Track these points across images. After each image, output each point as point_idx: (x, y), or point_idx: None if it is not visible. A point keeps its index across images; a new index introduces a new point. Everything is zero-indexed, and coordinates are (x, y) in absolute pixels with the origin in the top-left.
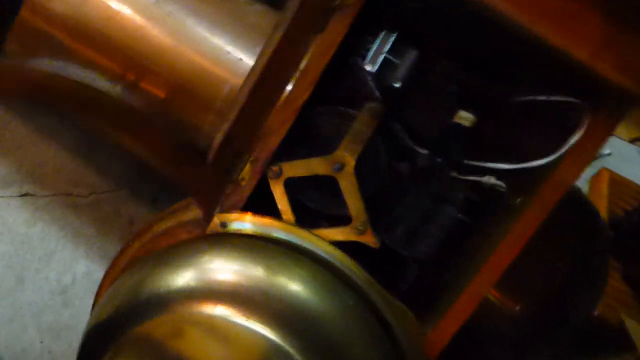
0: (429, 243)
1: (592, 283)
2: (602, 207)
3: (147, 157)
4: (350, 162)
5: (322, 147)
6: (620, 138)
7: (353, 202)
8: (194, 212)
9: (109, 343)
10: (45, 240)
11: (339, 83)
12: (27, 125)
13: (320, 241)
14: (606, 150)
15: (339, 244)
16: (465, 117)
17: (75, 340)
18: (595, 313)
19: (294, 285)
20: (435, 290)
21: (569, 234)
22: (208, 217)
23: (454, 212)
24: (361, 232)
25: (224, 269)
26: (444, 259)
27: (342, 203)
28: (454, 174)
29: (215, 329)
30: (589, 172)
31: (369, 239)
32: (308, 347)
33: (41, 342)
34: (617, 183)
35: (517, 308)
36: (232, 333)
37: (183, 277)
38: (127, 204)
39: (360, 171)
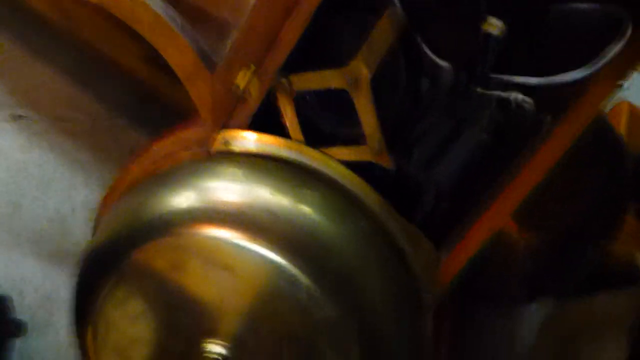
0: (448, 167)
1: (612, 217)
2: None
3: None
4: (366, 74)
5: (336, 58)
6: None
7: (367, 118)
8: (197, 132)
9: (110, 269)
10: (43, 167)
11: None
12: (21, 48)
13: (331, 161)
14: (625, 84)
15: (351, 166)
16: (494, 24)
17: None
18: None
19: (301, 206)
20: (452, 218)
21: (592, 164)
22: (212, 135)
23: (477, 133)
24: (375, 152)
25: (228, 189)
26: (463, 185)
27: (356, 122)
28: (479, 90)
29: (219, 251)
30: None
31: (384, 160)
32: (316, 270)
33: (41, 270)
34: (637, 117)
35: (535, 241)
36: (236, 256)
37: (185, 199)
38: (127, 132)
39: (376, 85)
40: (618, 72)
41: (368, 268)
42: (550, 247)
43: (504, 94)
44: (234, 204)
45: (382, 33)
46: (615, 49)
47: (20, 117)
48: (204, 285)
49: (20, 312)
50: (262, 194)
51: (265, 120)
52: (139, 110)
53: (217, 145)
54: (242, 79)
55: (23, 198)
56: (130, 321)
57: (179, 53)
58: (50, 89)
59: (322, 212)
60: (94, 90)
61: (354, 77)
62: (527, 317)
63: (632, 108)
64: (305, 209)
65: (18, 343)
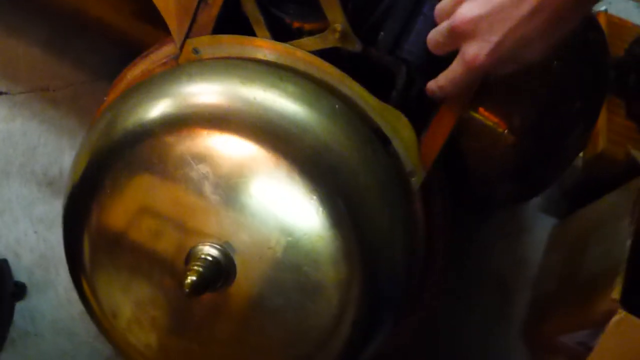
0: (415, 42)
1: (592, 102)
2: None
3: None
4: None
5: None
6: None
7: (329, 3)
8: (168, 48)
9: (93, 191)
10: (27, 135)
11: None
12: None
13: (299, 51)
14: (602, 5)
15: (319, 54)
16: None
17: None
18: (600, 150)
19: (273, 94)
20: (427, 96)
21: (577, 58)
22: (180, 45)
23: (435, 2)
24: (341, 37)
25: (200, 92)
26: (434, 58)
27: (319, 9)
28: None
29: (197, 150)
30: None
31: (350, 43)
32: (295, 151)
33: (35, 232)
34: (616, 25)
35: (517, 135)
36: (214, 151)
37: (159, 107)
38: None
39: None
40: None
41: (347, 147)
42: (531, 134)
43: None
44: (206, 103)
45: None
46: None
47: (0, 92)
48: (186, 187)
49: (18, 274)
50: (233, 88)
51: (233, 23)
52: (119, 72)
53: (186, 54)
54: None
55: (10, 166)
56: (120, 237)
57: None
58: (27, 61)
59: (295, 97)
60: (72, 58)
61: None
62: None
63: (609, 17)
64: (277, 95)
65: (18, 305)
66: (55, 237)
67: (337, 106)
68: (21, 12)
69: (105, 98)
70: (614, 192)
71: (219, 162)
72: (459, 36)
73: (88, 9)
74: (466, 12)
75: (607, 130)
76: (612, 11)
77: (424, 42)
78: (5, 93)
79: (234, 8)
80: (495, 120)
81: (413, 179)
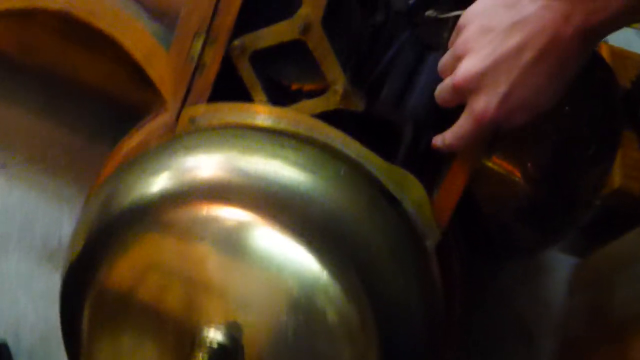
0: (419, 98)
1: (607, 143)
2: None
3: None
4: (316, 18)
5: (286, 10)
6: None
7: (328, 64)
8: (163, 118)
9: (91, 275)
10: (24, 208)
11: None
12: None
13: (300, 116)
14: None
15: (321, 116)
16: None
17: None
18: (616, 186)
19: (273, 164)
20: (436, 152)
21: (584, 96)
22: (177, 115)
23: (439, 56)
24: (342, 98)
25: (198, 166)
26: (440, 113)
27: (318, 70)
28: (433, 14)
29: (198, 228)
30: None
31: (352, 104)
32: (301, 224)
33: (35, 310)
34: (619, 56)
35: (529, 179)
36: (216, 228)
37: (156, 184)
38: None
39: (330, 28)
40: None
41: (356, 215)
42: (546, 181)
43: (459, 12)
44: (205, 178)
45: None
46: None
47: None
48: (188, 266)
49: (19, 355)
50: (233, 160)
51: (229, 89)
52: (117, 134)
53: (183, 125)
54: (195, 48)
55: (8, 241)
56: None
57: (136, 37)
58: (22, 130)
59: (297, 165)
60: (69, 124)
61: (305, 24)
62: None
63: (612, 48)
64: (278, 165)
65: None
66: (56, 315)
67: (342, 171)
68: (14, 81)
69: (101, 170)
70: (637, 230)
71: (221, 238)
72: (464, 92)
73: (83, 75)
74: (468, 68)
75: (622, 166)
76: (613, 41)
77: (430, 96)
78: (2, 166)
79: (229, 73)
80: (509, 168)
81: (428, 241)
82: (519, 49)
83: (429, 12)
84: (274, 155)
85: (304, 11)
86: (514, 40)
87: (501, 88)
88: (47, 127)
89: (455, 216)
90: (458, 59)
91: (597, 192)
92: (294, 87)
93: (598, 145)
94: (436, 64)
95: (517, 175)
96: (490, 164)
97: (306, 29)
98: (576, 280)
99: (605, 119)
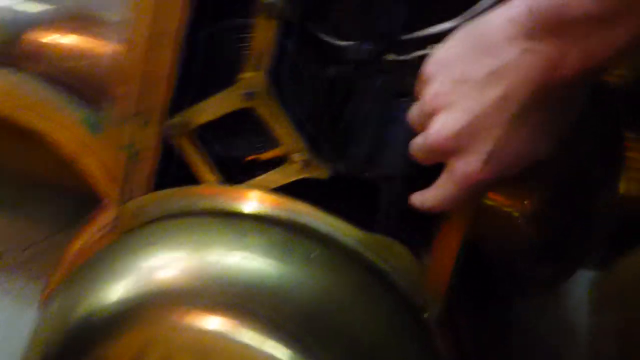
0: (393, 153)
1: (611, 158)
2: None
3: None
4: (262, 81)
5: (227, 77)
6: None
7: (281, 130)
8: (106, 214)
9: None
10: None
11: None
12: None
13: (258, 193)
14: None
15: (284, 189)
16: None
17: None
18: (622, 192)
19: (232, 258)
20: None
21: (586, 113)
22: (118, 210)
23: (409, 103)
24: (303, 167)
25: (144, 268)
26: (419, 167)
27: (272, 139)
28: (393, 57)
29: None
30: None
31: (316, 172)
32: (274, 328)
33: None
34: None
35: (533, 211)
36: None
37: (95, 304)
38: None
39: (279, 90)
40: None
41: (338, 304)
42: (551, 208)
43: (424, 52)
44: (157, 281)
45: (264, 33)
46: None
47: None
48: None
49: None
50: (185, 259)
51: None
52: (77, 222)
53: (127, 220)
54: (130, 134)
55: None
56: None
57: (63, 130)
58: None
59: (260, 255)
60: (25, 216)
61: (250, 91)
62: (571, 290)
63: None
64: (237, 258)
65: None
66: None
67: (313, 254)
68: None
69: (51, 276)
70: None
71: (184, 350)
72: (440, 153)
73: (34, 170)
74: (442, 128)
75: (625, 169)
76: None
77: (402, 151)
78: None
79: (170, 156)
80: (509, 202)
81: (427, 314)
82: (500, 103)
83: (390, 56)
84: (230, 247)
85: (246, 76)
86: (493, 93)
87: (484, 147)
88: (1, 223)
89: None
90: (429, 115)
91: (611, 210)
92: (248, 158)
93: (603, 161)
94: (404, 112)
95: (519, 209)
96: (487, 202)
97: (252, 95)
98: (599, 297)
99: (606, 133)
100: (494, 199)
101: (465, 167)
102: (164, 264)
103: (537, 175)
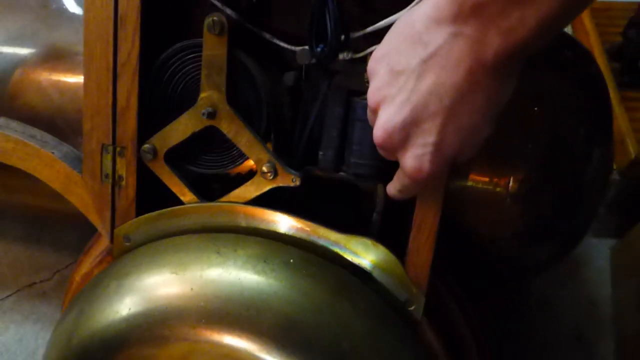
0: (360, 150)
1: (598, 123)
2: (594, 43)
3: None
4: (220, 98)
5: (188, 98)
6: None
7: (246, 143)
8: (101, 241)
9: None
10: (23, 341)
11: (177, 17)
12: None
13: (234, 206)
14: None
15: (261, 199)
16: None
17: None
18: (633, 156)
19: (210, 274)
20: (396, 206)
21: (561, 82)
22: (110, 237)
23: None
24: (273, 175)
25: (134, 289)
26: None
27: (240, 152)
28: (348, 56)
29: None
30: None
31: (287, 179)
32: (256, 337)
33: None
34: (600, 11)
35: (518, 186)
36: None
37: (87, 334)
38: None
39: (238, 103)
40: None
41: (317, 310)
42: (543, 186)
43: (376, 46)
44: (141, 310)
45: (214, 49)
46: None
47: None
48: None
49: None
50: (167, 281)
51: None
52: None
53: (119, 245)
54: (107, 164)
55: None
56: None
57: (47, 167)
58: (9, 261)
59: (238, 267)
60: (52, 243)
61: (210, 109)
62: (589, 262)
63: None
64: (216, 274)
65: None
66: None
67: (291, 260)
68: None
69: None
70: None
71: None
72: (390, 150)
73: (52, 204)
74: (384, 123)
75: (632, 132)
76: None
77: (370, 146)
78: None
79: (152, 180)
80: (495, 182)
81: (411, 307)
82: (436, 91)
83: (343, 55)
84: (210, 263)
85: (204, 95)
86: (427, 82)
87: (429, 138)
88: (32, 251)
89: (444, 260)
90: (374, 111)
91: (606, 177)
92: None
93: (588, 129)
94: (365, 111)
95: (503, 184)
96: (469, 183)
97: (213, 113)
98: (618, 268)
99: (587, 98)
100: (479, 180)
101: (414, 162)
102: (152, 285)
103: (520, 153)
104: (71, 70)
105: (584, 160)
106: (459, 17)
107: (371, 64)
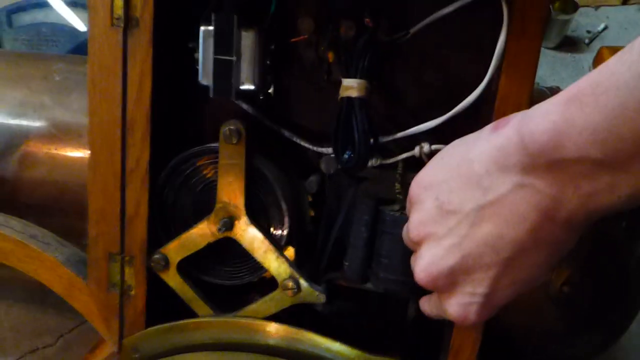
0: (389, 264)
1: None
2: None
3: None
4: (237, 209)
5: (202, 205)
6: (611, 5)
7: (266, 257)
8: (106, 348)
9: None
10: None
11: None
12: None
13: (254, 322)
14: (600, 24)
15: (282, 316)
16: (351, 86)
17: None
18: None
19: None
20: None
21: None
22: (118, 347)
23: (397, 214)
24: (295, 291)
25: None
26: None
27: (258, 265)
28: (377, 162)
29: None
30: (588, 56)
31: (309, 296)
32: None
33: None
34: None
35: (559, 289)
36: None
37: None
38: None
39: (256, 211)
40: (519, 62)
41: None
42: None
43: (409, 154)
44: None
45: (231, 158)
46: (500, 44)
47: None
48: None
49: None
50: None
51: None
52: None
53: (126, 356)
54: (114, 273)
55: None
56: None
57: (49, 271)
58: (11, 325)
59: None
60: (54, 305)
61: (228, 219)
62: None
63: (612, 50)
64: None
65: None
66: None
67: None
68: None
69: None
70: None
71: None
72: (432, 288)
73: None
74: (429, 263)
75: None
76: (613, 26)
77: (401, 261)
78: None
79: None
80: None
81: None
82: (493, 243)
83: (373, 161)
84: None
85: (220, 206)
86: (484, 231)
87: (479, 289)
88: (34, 314)
89: None
90: (416, 243)
91: None
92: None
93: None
94: (396, 224)
95: (544, 296)
96: None
97: (230, 224)
98: None
99: None
100: None
101: (459, 309)
102: None
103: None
104: (77, 146)
105: (626, 251)
106: (530, 169)
107: (415, 189)
